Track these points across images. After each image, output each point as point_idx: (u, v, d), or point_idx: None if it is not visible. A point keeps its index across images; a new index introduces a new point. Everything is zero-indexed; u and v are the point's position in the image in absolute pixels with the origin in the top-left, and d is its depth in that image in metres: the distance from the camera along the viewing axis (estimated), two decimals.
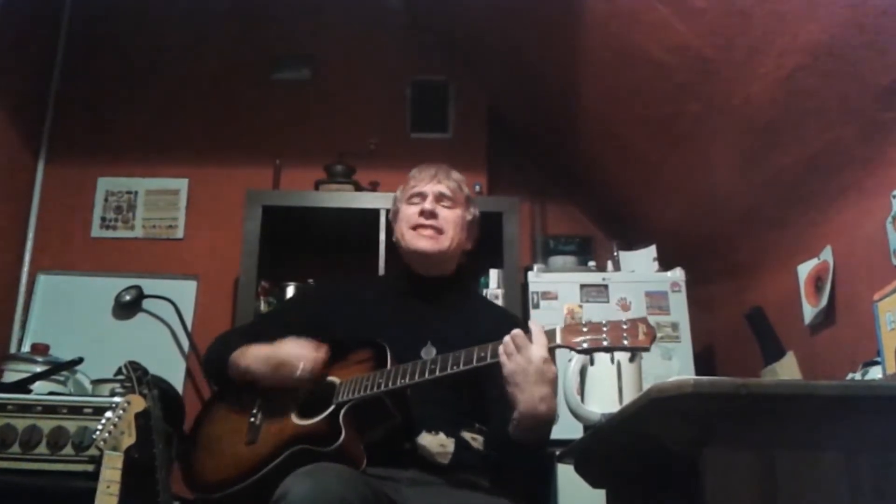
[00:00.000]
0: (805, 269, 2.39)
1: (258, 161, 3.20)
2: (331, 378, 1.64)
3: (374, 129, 3.23)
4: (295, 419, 1.61)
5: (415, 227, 1.80)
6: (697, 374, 2.65)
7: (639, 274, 2.87)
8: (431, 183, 1.84)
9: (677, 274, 2.82)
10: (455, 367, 1.48)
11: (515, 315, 2.15)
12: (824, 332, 2.29)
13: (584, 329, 1.42)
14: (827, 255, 2.27)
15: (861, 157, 2.06)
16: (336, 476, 1.36)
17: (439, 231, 1.79)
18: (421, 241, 1.78)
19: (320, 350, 1.66)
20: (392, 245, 1.98)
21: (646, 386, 1.24)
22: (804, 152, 2.22)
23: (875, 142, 2.00)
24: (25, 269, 3.08)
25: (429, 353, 1.67)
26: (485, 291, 2.86)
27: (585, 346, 1.41)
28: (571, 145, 3.33)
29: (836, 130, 2.08)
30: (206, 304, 3.09)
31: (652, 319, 2.64)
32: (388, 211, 2.14)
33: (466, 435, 1.64)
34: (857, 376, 1.76)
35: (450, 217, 1.81)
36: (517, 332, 1.45)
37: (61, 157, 3.25)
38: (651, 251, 2.95)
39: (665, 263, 2.89)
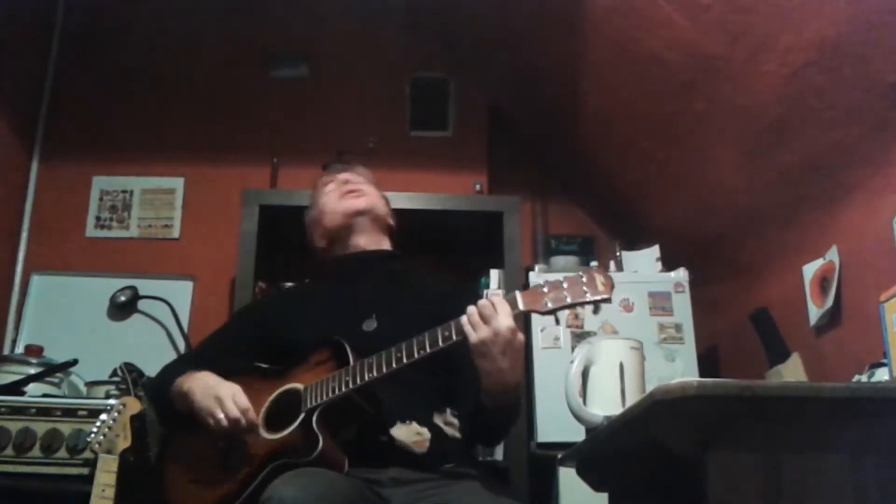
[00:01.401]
0: (810, 270, 2.39)
1: (255, 160, 3.20)
2: (293, 385, 1.62)
3: (372, 127, 3.23)
4: (265, 434, 1.58)
5: (341, 196, 1.89)
6: (701, 375, 2.65)
7: (642, 274, 2.87)
8: (338, 174, 1.97)
9: (681, 274, 2.82)
10: (421, 352, 1.46)
11: (466, 282, 2.18)
12: (830, 334, 2.30)
13: (545, 290, 1.43)
14: (833, 255, 2.27)
15: (867, 155, 2.07)
16: (320, 479, 1.38)
17: (360, 192, 1.89)
18: (354, 202, 1.87)
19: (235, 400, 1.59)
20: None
21: (649, 388, 1.23)
22: (810, 151, 2.22)
23: (882, 140, 2.00)
24: (19, 269, 3.08)
25: (370, 325, 1.69)
26: (485, 292, 2.86)
27: (550, 305, 1.41)
28: (573, 143, 3.33)
29: (842, 129, 2.08)
30: (203, 305, 3.09)
31: (655, 320, 2.75)
32: None
33: (439, 420, 1.64)
34: (864, 378, 1.76)
35: (361, 181, 1.94)
36: (483, 302, 1.44)
37: (55, 155, 3.25)
38: (654, 251, 2.95)
39: (668, 264, 2.89)
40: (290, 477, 1.37)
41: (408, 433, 1.60)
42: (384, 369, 1.49)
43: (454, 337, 1.44)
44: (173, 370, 1.79)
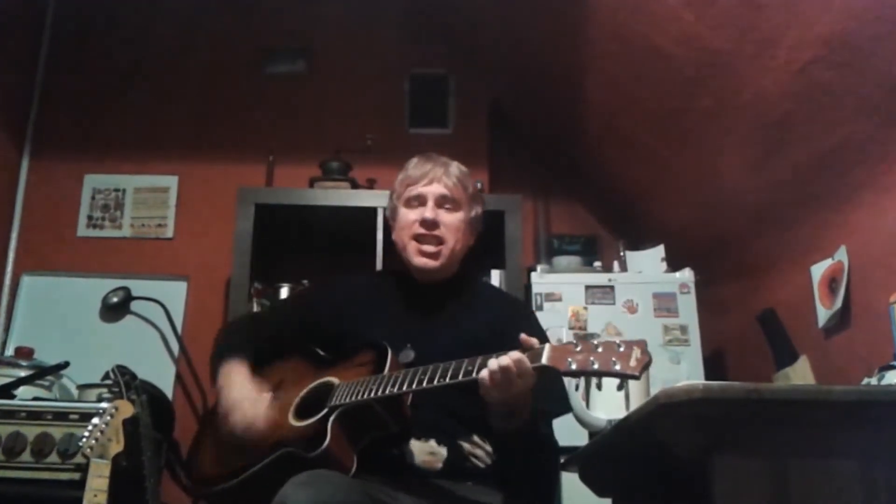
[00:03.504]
0: (819, 270, 2.39)
1: (251, 158, 3.21)
2: (331, 378, 1.66)
3: (371, 124, 3.23)
4: (291, 419, 1.62)
5: (415, 237, 1.77)
6: (707, 378, 2.66)
7: (646, 275, 2.87)
8: (431, 185, 1.78)
9: (686, 275, 2.82)
10: (441, 381, 1.46)
11: (517, 300, 2.19)
12: (839, 335, 2.29)
13: (576, 349, 1.38)
14: (841, 255, 2.27)
15: (877, 153, 2.06)
16: (333, 485, 1.39)
17: (440, 241, 1.76)
18: (420, 259, 1.76)
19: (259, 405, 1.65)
20: (390, 245, 1.98)
21: (654, 391, 1.23)
22: (818, 148, 2.22)
23: (892, 137, 2.00)
24: (9, 269, 3.08)
25: (406, 356, 1.67)
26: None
27: (574, 367, 1.37)
28: (576, 141, 3.33)
29: (850, 125, 2.08)
30: (197, 306, 3.09)
31: (660, 322, 2.74)
32: (384, 209, 2.16)
33: (465, 445, 1.64)
34: (874, 381, 1.75)
35: (451, 223, 1.77)
36: (505, 365, 1.40)
37: (46, 153, 3.25)
38: (659, 251, 2.95)
39: (673, 264, 2.89)
40: (304, 481, 1.39)
41: (420, 450, 1.60)
42: (404, 387, 1.50)
43: (475, 374, 1.44)
44: (230, 345, 1.82)
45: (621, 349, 1.34)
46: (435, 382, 1.47)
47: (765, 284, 2.76)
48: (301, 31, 3.46)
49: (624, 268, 2.95)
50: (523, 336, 1.44)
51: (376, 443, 1.58)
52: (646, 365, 1.32)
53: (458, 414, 1.65)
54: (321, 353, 1.78)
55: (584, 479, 1.88)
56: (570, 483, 2.31)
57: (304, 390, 1.67)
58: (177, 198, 3.24)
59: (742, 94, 2.32)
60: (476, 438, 1.66)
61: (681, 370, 2.66)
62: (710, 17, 2.21)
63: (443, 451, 1.60)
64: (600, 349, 1.36)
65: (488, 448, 1.66)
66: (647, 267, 2.92)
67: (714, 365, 2.91)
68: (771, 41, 2.10)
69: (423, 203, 1.77)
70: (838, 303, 2.25)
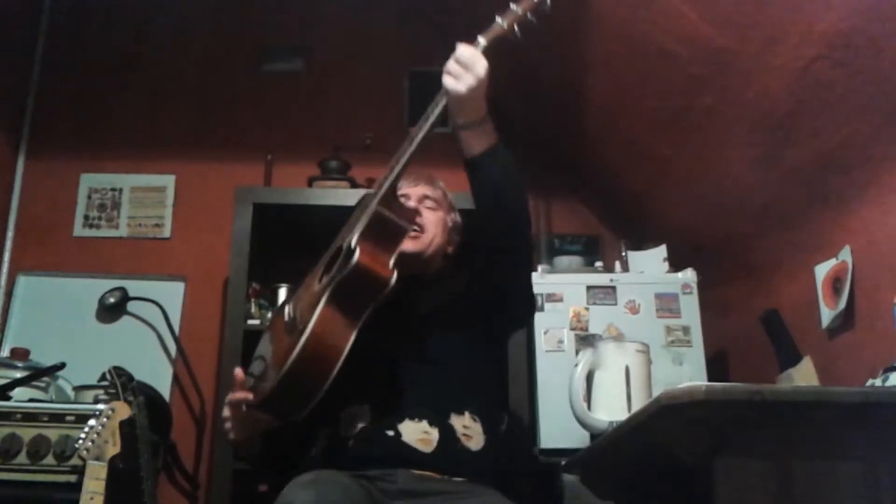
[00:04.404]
0: (823, 270, 2.39)
1: (249, 157, 3.21)
2: (337, 244, 1.71)
3: (370, 122, 3.23)
4: (317, 286, 1.65)
5: None
6: (710, 380, 2.65)
7: (648, 275, 2.87)
8: (416, 186, 1.93)
9: (689, 275, 2.82)
10: (419, 134, 1.66)
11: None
12: (843, 336, 2.29)
13: (497, 18, 1.59)
14: (846, 255, 2.27)
15: (881, 152, 2.06)
16: (337, 487, 1.41)
17: (421, 229, 1.87)
18: (405, 243, 1.82)
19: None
20: None
21: (656, 392, 1.24)
22: (822, 147, 2.22)
23: None
24: (4, 269, 3.08)
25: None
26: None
27: (504, 25, 1.59)
28: (577, 140, 3.33)
29: (855, 124, 2.08)
30: (195, 307, 3.09)
31: (662, 322, 2.75)
32: None
33: (455, 422, 1.64)
34: (878, 382, 1.76)
35: (432, 218, 1.90)
36: (458, 53, 1.59)
37: (42, 152, 3.25)
38: (661, 251, 2.95)
39: (676, 264, 2.89)
40: (308, 481, 1.41)
41: (414, 431, 1.61)
42: (395, 169, 1.62)
43: (443, 98, 1.64)
44: None
45: None
46: (416, 140, 1.65)
47: (768, 285, 2.76)
48: (299, 28, 3.46)
49: (626, 268, 2.95)
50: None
51: (367, 427, 1.61)
52: None
53: (443, 389, 1.68)
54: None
55: (586, 481, 1.88)
56: (571, 486, 2.31)
57: (322, 266, 1.71)
58: (174, 197, 3.24)
59: (745, 93, 2.32)
60: (468, 416, 1.67)
61: (683, 371, 2.66)
62: (713, 15, 2.21)
63: (435, 431, 1.62)
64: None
65: (479, 428, 1.67)
66: (649, 267, 2.92)
67: (717, 366, 2.91)
68: (774, 39, 2.10)
69: (407, 199, 1.89)
70: (842, 303, 2.25)
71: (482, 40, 1.61)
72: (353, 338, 1.52)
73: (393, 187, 1.64)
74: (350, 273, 1.52)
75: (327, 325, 1.52)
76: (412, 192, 1.92)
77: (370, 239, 1.58)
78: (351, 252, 1.55)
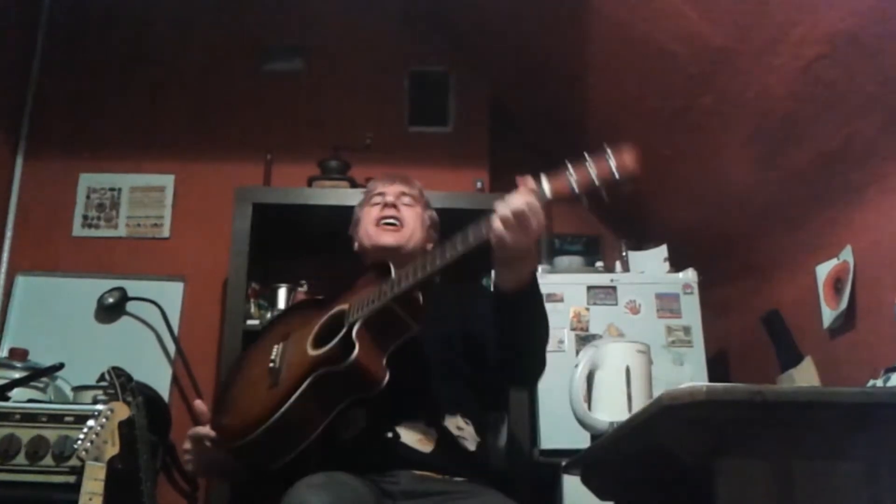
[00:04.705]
0: (824, 270, 2.39)
1: (248, 156, 3.20)
2: (340, 307, 1.69)
3: (370, 122, 3.22)
4: (311, 351, 1.64)
5: (377, 223, 1.90)
6: (711, 380, 2.65)
7: (649, 275, 2.87)
8: (393, 185, 1.97)
9: (689, 275, 2.82)
10: (454, 252, 1.50)
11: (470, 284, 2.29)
12: (844, 337, 2.30)
13: (570, 170, 1.44)
14: (847, 255, 2.27)
15: (883, 151, 2.07)
16: (348, 488, 1.43)
17: (401, 223, 1.90)
18: (384, 236, 1.89)
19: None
20: None
21: (656, 393, 1.24)
22: (823, 147, 2.22)
23: None
24: (3, 269, 3.08)
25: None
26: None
27: (576, 184, 1.44)
28: (578, 139, 3.33)
29: (856, 124, 2.08)
30: (194, 307, 3.09)
31: (663, 322, 2.75)
32: None
33: (450, 424, 1.66)
34: (879, 383, 1.76)
35: (410, 213, 1.93)
36: (517, 207, 1.44)
37: (41, 152, 3.25)
38: (662, 251, 2.95)
39: (676, 264, 2.89)
40: (318, 483, 1.42)
41: (412, 431, 1.63)
42: (419, 274, 1.55)
43: (485, 233, 1.48)
44: None
45: (609, 152, 1.44)
46: (448, 256, 1.51)
47: (769, 285, 2.76)
48: (299, 28, 3.46)
49: (626, 268, 2.95)
50: (519, 177, 1.51)
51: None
52: (636, 160, 1.42)
53: (437, 398, 1.69)
54: (320, 297, 1.82)
55: (586, 482, 1.88)
56: (572, 486, 2.31)
57: (317, 326, 1.69)
58: (173, 197, 3.24)
59: (746, 93, 2.32)
60: (460, 418, 1.68)
61: (684, 371, 2.66)
62: (714, 15, 2.21)
63: (432, 432, 1.64)
64: (591, 160, 1.44)
65: (472, 430, 1.69)
66: (649, 267, 2.92)
67: (718, 366, 2.91)
68: (775, 39, 2.10)
69: (385, 198, 1.94)
70: (843, 303, 2.25)
71: (548, 192, 1.45)
72: (330, 418, 1.54)
73: (413, 290, 1.57)
74: (343, 369, 1.51)
75: (308, 403, 1.53)
76: (389, 189, 1.95)
77: (372, 329, 1.57)
78: (350, 345, 1.53)
